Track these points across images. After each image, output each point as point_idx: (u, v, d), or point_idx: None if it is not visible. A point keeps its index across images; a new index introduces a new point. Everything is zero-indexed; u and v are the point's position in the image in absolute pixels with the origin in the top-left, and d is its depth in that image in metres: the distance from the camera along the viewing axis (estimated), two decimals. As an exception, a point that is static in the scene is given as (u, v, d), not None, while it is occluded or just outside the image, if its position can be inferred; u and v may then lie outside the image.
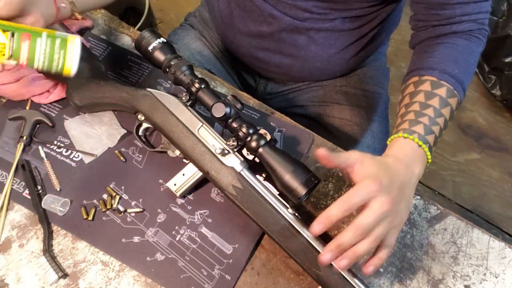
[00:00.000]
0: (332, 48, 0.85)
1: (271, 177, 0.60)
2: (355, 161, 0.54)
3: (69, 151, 0.70)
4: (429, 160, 0.61)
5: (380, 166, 0.54)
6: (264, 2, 0.80)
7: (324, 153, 0.52)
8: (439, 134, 0.63)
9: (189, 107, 0.66)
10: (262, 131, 0.62)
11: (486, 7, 0.69)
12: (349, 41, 0.85)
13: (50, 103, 0.74)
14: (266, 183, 0.61)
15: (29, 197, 0.66)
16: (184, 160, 0.66)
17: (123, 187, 0.68)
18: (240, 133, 0.61)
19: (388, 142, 0.62)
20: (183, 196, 0.67)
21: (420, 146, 0.59)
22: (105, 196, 0.67)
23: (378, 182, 0.51)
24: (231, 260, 0.63)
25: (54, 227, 0.65)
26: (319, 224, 0.51)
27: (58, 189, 0.67)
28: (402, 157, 0.58)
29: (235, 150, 0.63)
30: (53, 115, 0.73)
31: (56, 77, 0.72)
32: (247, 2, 0.82)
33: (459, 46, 0.69)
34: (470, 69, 0.68)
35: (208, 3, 0.96)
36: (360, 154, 0.54)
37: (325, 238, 0.66)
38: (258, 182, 0.61)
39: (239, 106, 0.63)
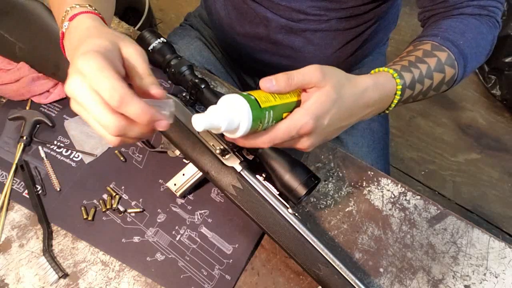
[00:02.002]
0: (329, 48, 0.85)
1: (271, 177, 0.60)
2: (313, 84, 0.48)
3: (69, 151, 0.70)
4: (391, 106, 0.56)
5: (335, 102, 0.48)
6: (259, 5, 0.80)
7: (271, 84, 0.46)
8: (417, 95, 0.59)
9: (189, 107, 0.66)
10: (262, 131, 0.62)
11: None
12: (346, 40, 0.85)
13: (50, 103, 0.74)
14: (266, 183, 0.61)
15: (29, 197, 0.66)
16: (184, 160, 0.66)
17: (123, 187, 0.68)
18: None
19: (376, 70, 0.56)
20: (183, 196, 0.67)
21: (396, 94, 0.55)
22: (105, 196, 0.67)
23: (316, 123, 0.47)
24: (231, 260, 0.63)
25: (54, 227, 0.65)
26: (237, 140, 0.47)
27: (58, 189, 0.67)
28: (373, 98, 0.52)
29: (235, 150, 0.63)
30: (53, 115, 0.73)
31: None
32: (242, 4, 0.82)
33: (468, 22, 0.64)
34: (477, 48, 0.63)
35: (206, 5, 0.96)
36: (320, 75, 0.47)
37: (322, 235, 0.66)
38: (258, 182, 0.61)
39: (239, 106, 0.63)
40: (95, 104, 0.40)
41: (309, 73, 0.47)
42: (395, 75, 0.55)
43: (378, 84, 0.53)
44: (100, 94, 0.40)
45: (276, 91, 0.47)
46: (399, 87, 0.55)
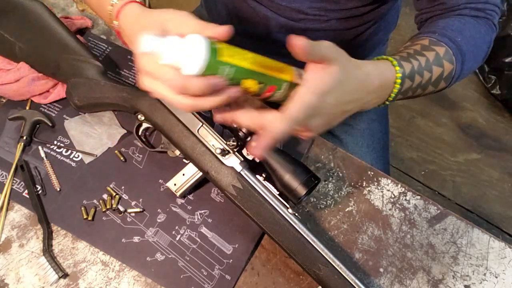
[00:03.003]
0: None
1: (271, 177, 0.60)
2: (325, 61, 0.49)
3: (69, 151, 0.70)
4: (390, 97, 0.56)
5: (342, 84, 0.48)
6: (259, 4, 0.80)
7: (301, 44, 0.46)
8: (416, 88, 0.59)
9: (189, 107, 0.65)
10: (262, 131, 0.62)
11: (494, 1, 0.66)
12: (346, 40, 0.85)
13: (50, 103, 0.74)
14: (266, 183, 0.61)
15: (29, 197, 0.66)
16: (184, 160, 0.66)
17: (123, 187, 0.68)
18: (240, 133, 0.61)
19: (374, 59, 0.57)
20: (183, 196, 0.67)
21: (395, 82, 0.54)
22: (105, 196, 0.67)
23: (321, 101, 0.47)
24: (231, 260, 0.63)
25: (54, 227, 0.65)
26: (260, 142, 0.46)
27: (58, 189, 0.67)
28: (374, 83, 0.52)
29: (235, 150, 0.63)
30: (53, 115, 0.73)
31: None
32: (243, 4, 0.82)
33: (466, 22, 0.64)
34: (475, 47, 0.63)
35: (206, 5, 0.96)
36: (334, 53, 0.49)
37: (322, 235, 0.66)
38: (258, 182, 0.61)
39: (239, 106, 0.63)
40: (168, 93, 0.46)
41: (327, 47, 0.49)
42: (395, 62, 0.55)
43: (379, 70, 0.53)
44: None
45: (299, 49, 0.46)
46: (399, 75, 0.54)
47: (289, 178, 0.58)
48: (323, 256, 0.57)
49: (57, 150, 0.70)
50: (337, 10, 0.78)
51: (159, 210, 0.66)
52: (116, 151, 0.70)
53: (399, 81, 0.54)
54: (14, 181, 0.67)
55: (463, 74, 0.64)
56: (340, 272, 0.56)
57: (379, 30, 0.88)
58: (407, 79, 0.56)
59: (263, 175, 0.62)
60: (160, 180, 0.68)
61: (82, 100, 0.70)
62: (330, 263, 0.57)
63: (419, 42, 0.61)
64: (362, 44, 0.88)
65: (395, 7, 0.86)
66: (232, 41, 0.99)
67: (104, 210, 0.66)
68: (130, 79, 0.77)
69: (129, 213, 0.66)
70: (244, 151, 0.63)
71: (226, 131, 0.65)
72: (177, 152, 0.66)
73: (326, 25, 0.80)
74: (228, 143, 0.63)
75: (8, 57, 0.72)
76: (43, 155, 0.69)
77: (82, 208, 0.66)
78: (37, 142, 0.70)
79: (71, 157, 0.70)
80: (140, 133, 0.70)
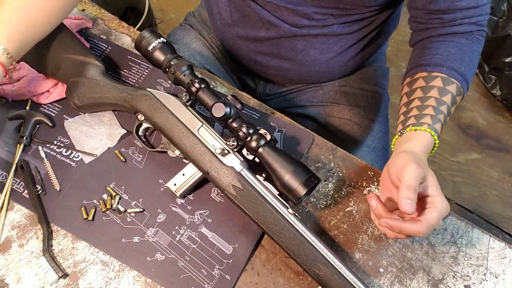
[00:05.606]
0: (330, 52, 0.85)
1: (271, 177, 0.60)
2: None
3: (69, 151, 0.70)
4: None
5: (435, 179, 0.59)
6: (263, 9, 0.80)
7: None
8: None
9: (189, 107, 0.66)
10: (262, 131, 0.62)
11: (486, 9, 0.71)
12: (347, 44, 0.85)
13: (50, 103, 0.74)
14: (266, 183, 0.61)
15: (29, 197, 0.66)
16: (184, 160, 0.66)
17: (123, 187, 0.68)
18: (240, 133, 0.61)
19: (413, 129, 0.64)
20: (183, 196, 0.67)
21: (434, 148, 0.65)
22: (105, 196, 0.67)
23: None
24: (231, 260, 0.63)
25: (54, 227, 0.65)
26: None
27: (58, 189, 0.67)
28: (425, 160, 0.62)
29: (235, 150, 0.63)
30: (53, 115, 0.73)
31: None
32: (246, 7, 0.82)
33: (463, 45, 0.70)
34: (473, 68, 0.71)
35: (207, 6, 0.96)
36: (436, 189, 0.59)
37: (322, 235, 0.66)
38: (258, 182, 0.61)
39: (239, 106, 0.63)
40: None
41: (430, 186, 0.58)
42: (433, 133, 0.63)
43: (428, 149, 0.64)
44: None
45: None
46: (437, 141, 0.64)
47: (289, 178, 0.58)
48: (323, 256, 0.57)
49: (57, 150, 0.70)
50: (342, 15, 0.78)
51: (159, 210, 0.66)
52: (116, 151, 0.70)
53: (437, 142, 0.65)
54: (14, 181, 0.67)
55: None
56: (340, 272, 0.56)
57: (381, 33, 0.88)
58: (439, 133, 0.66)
59: (263, 175, 0.62)
60: (160, 180, 0.68)
61: (82, 100, 0.70)
62: (330, 263, 0.57)
63: (435, 84, 0.67)
64: (363, 48, 0.88)
65: (396, 10, 0.86)
66: (233, 43, 0.99)
67: (104, 210, 0.66)
68: (130, 79, 0.77)
69: (129, 213, 0.66)
70: (244, 151, 0.63)
71: (226, 131, 0.65)
72: (177, 152, 0.66)
73: (328, 31, 0.80)
74: (228, 143, 0.63)
75: (8, 57, 0.72)
76: (43, 155, 0.69)
77: (82, 208, 0.66)
78: (37, 142, 0.70)
79: (71, 157, 0.70)
80: (140, 133, 0.70)
